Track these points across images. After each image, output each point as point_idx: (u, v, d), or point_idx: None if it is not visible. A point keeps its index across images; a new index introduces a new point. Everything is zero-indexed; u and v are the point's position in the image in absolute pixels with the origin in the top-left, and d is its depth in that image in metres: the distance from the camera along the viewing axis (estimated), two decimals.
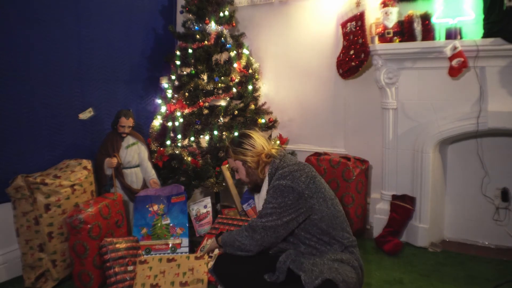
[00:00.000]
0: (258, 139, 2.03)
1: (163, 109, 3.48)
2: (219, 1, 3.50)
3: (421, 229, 3.04)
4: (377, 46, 2.98)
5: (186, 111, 3.37)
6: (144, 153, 3.27)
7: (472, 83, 2.78)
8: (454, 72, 2.73)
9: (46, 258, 2.56)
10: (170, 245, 2.90)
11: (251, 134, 2.05)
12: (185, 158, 3.29)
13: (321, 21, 3.48)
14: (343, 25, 3.24)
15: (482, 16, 2.67)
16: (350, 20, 3.17)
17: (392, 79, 3.04)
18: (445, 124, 2.90)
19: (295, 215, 1.81)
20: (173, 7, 4.01)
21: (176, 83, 3.50)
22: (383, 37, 2.99)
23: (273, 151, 1.99)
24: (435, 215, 3.08)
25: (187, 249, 2.90)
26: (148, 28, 3.77)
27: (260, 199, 2.02)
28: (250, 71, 3.53)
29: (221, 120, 3.33)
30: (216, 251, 2.74)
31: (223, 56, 3.51)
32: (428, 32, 2.87)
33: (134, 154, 3.22)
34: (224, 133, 3.32)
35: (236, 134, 2.04)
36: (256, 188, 2.07)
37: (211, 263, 2.61)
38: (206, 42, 3.38)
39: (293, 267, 1.74)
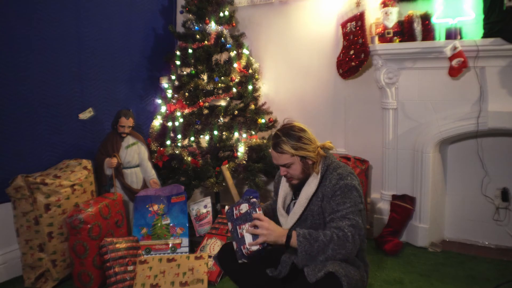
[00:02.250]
0: (309, 131, 1.92)
1: (163, 109, 3.48)
2: (219, 1, 3.49)
3: (421, 229, 3.04)
4: (377, 46, 2.98)
5: (186, 111, 3.37)
6: (144, 153, 3.26)
7: (472, 83, 2.78)
8: (454, 72, 2.74)
9: (46, 258, 2.56)
10: (170, 245, 2.90)
11: (304, 127, 1.90)
12: (185, 158, 3.29)
13: (321, 21, 3.48)
14: (343, 25, 3.24)
15: (482, 16, 2.67)
16: (350, 20, 3.17)
17: (392, 79, 3.04)
18: (445, 124, 2.90)
19: (363, 217, 1.79)
20: (173, 7, 4.00)
21: (176, 83, 3.50)
22: (383, 37, 2.99)
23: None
24: (435, 215, 3.08)
25: (187, 249, 2.90)
26: (148, 28, 3.76)
27: (302, 194, 1.89)
28: (250, 71, 3.53)
29: (221, 120, 3.33)
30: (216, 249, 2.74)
31: (223, 56, 3.51)
32: (428, 32, 2.87)
33: (134, 154, 3.21)
34: (224, 133, 3.32)
35: (279, 129, 1.85)
36: (300, 186, 1.93)
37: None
38: (206, 42, 3.38)
39: (297, 262, 1.74)
